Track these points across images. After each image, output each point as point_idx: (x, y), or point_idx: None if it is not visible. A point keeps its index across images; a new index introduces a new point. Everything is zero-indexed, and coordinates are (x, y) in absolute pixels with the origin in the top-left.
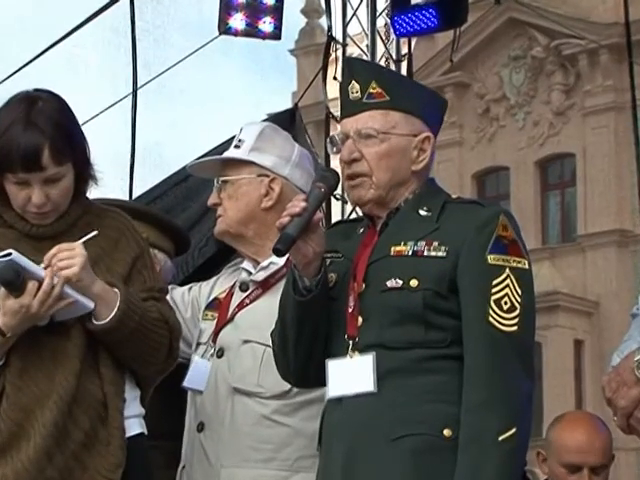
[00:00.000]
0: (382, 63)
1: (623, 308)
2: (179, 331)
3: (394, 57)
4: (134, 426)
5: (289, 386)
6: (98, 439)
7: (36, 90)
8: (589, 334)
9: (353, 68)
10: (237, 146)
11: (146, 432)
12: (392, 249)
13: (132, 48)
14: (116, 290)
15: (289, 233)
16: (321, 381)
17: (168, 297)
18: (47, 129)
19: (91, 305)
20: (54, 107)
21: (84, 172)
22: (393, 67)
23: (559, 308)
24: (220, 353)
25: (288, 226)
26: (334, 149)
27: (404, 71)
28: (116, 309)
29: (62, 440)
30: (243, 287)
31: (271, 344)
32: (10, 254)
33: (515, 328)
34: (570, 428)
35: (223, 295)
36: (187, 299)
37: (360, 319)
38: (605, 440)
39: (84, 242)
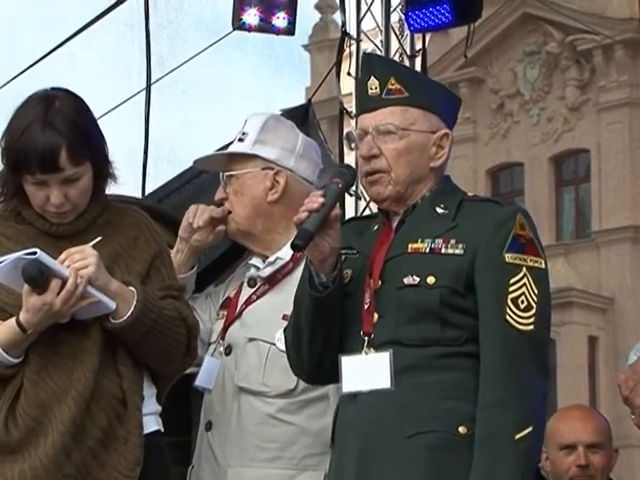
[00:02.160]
0: (396, 59)
1: (637, 304)
2: (197, 329)
3: (408, 53)
4: (150, 423)
5: (294, 384)
6: (116, 437)
7: (53, 89)
8: (603, 330)
9: (372, 64)
10: (241, 139)
11: (162, 429)
12: (409, 246)
13: (146, 43)
14: (132, 289)
15: (307, 228)
16: (334, 378)
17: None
18: (64, 130)
19: (112, 305)
20: (71, 106)
21: (102, 171)
22: (407, 63)
23: (573, 304)
24: (228, 350)
25: (306, 221)
26: (352, 145)
27: (418, 67)
28: (132, 308)
29: (80, 437)
30: (251, 283)
31: (281, 341)
32: (35, 252)
33: (531, 327)
34: (563, 415)
35: (233, 293)
36: (205, 304)
37: (376, 316)
38: (599, 423)
39: (93, 245)
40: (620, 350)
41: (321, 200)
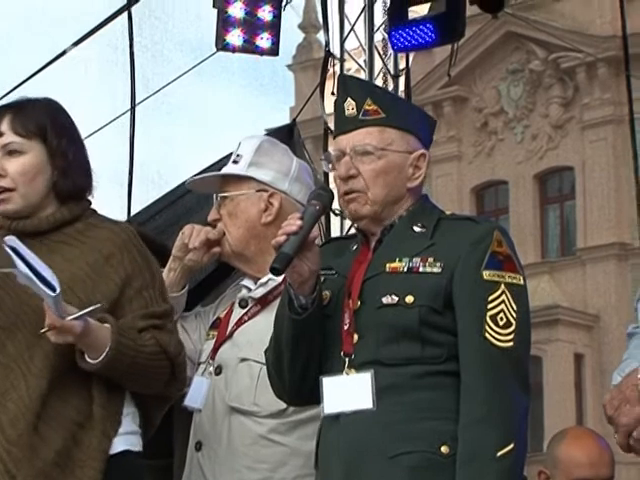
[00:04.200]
0: (380, 78)
1: (623, 321)
2: (182, 356)
3: (392, 72)
4: (118, 444)
5: (285, 405)
6: (72, 459)
7: None
8: (589, 348)
9: (348, 85)
10: (235, 161)
11: (136, 449)
12: (387, 266)
13: (130, 64)
14: (107, 326)
15: (286, 252)
16: (316, 399)
17: (179, 325)
18: (21, 103)
19: (51, 293)
20: (46, 99)
21: (65, 168)
22: (391, 82)
23: (559, 322)
24: (218, 371)
25: (284, 245)
26: (329, 166)
27: (402, 86)
28: (106, 351)
29: (29, 457)
30: (242, 304)
31: (265, 362)
32: (55, 289)
33: (511, 344)
34: (578, 444)
35: (224, 313)
36: (194, 324)
37: (356, 336)
38: (611, 454)
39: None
40: (606, 367)
41: (299, 223)
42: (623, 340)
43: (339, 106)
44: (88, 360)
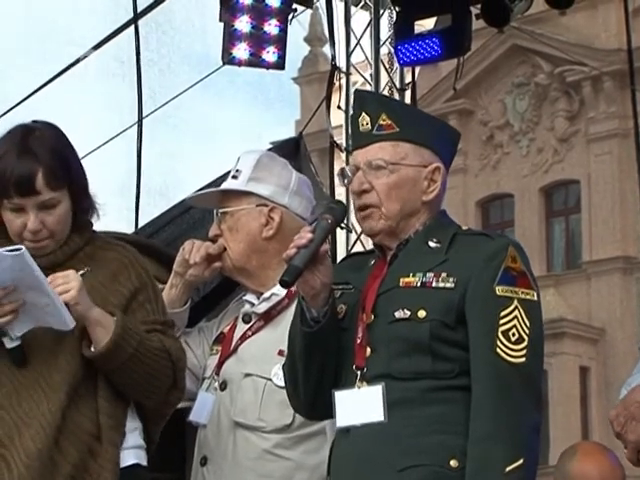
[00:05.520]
0: (386, 92)
1: (628, 335)
2: (183, 363)
3: (398, 86)
4: (128, 457)
5: (290, 420)
6: (88, 472)
7: (34, 121)
8: (595, 361)
9: (363, 100)
10: (235, 176)
11: (144, 463)
12: (401, 280)
13: (137, 78)
14: (113, 318)
15: (295, 264)
16: (331, 412)
17: (182, 340)
18: (42, 154)
19: (71, 324)
20: (50, 135)
21: (82, 201)
22: (397, 96)
23: (564, 335)
24: (223, 386)
25: (294, 257)
26: (345, 181)
27: (408, 100)
28: (111, 334)
29: (48, 472)
30: (246, 319)
31: (277, 377)
32: (20, 249)
33: (522, 359)
34: (589, 459)
35: (227, 328)
36: (198, 339)
37: (368, 350)
38: (622, 469)
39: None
40: (611, 380)
41: (309, 236)
42: (628, 353)
43: (354, 121)
44: (92, 349)
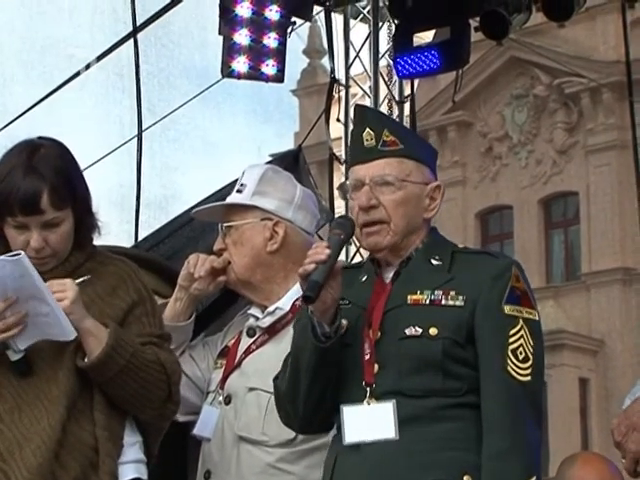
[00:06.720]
0: (385, 104)
1: (627, 346)
2: (178, 376)
3: (397, 98)
4: (128, 471)
5: (293, 434)
6: None
7: (39, 138)
8: (594, 372)
9: (365, 116)
10: (239, 190)
11: (145, 477)
12: (409, 297)
13: (136, 91)
14: (107, 328)
15: (316, 280)
16: (326, 427)
17: (186, 354)
18: (47, 174)
19: (71, 335)
20: (56, 153)
21: (85, 219)
22: (396, 108)
23: (564, 347)
24: (228, 400)
25: (314, 273)
26: (346, 196)
27: (407, 112)
28: (104, 345)
29: None
30: (250, 332)
31: (273, 390)
32: (19, 254)
33: (529, 378)
34: (589, 468)
35: (232, 342)
36: (202, 353)
37: (376, 366)
38: (622, 478)
39: (78, 283)
40: (611, 392)
41: (327, 252)
42: (628, 365)
43: (356, 136)
44: (86, 360)
